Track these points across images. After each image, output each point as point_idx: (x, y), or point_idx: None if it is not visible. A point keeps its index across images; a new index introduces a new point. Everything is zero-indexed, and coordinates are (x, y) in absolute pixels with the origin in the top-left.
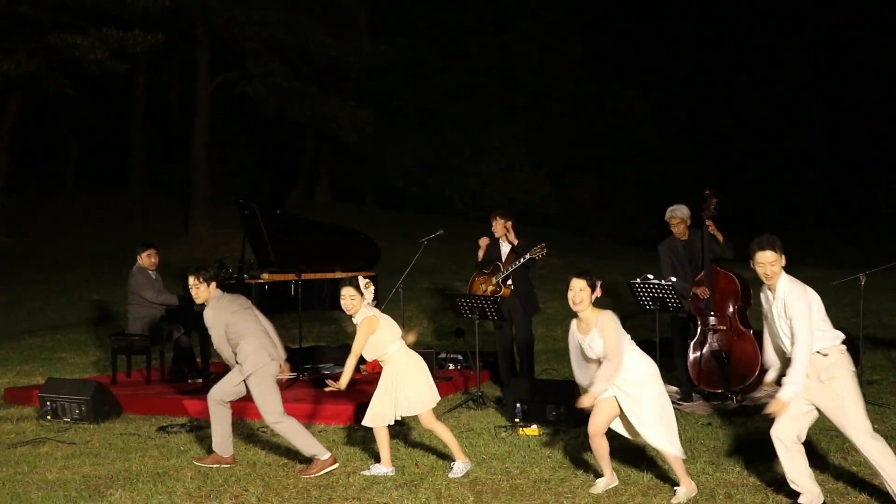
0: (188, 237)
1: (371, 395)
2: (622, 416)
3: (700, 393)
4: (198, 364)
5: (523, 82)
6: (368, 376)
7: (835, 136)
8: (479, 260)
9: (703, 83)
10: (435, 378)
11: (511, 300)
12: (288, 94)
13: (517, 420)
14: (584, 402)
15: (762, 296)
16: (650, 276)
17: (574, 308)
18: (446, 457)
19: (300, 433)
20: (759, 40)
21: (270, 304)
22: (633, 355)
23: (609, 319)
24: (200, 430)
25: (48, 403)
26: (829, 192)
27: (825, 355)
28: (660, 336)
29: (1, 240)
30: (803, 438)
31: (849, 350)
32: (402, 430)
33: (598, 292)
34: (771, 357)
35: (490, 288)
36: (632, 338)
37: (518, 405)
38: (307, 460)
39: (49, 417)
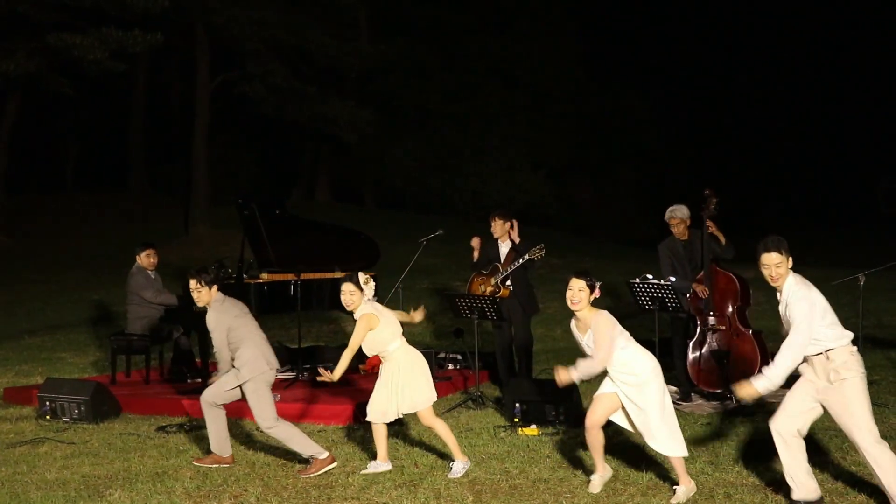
0: (188, 237)
1: (370, 394)
2: (624, 409)
3: (699, 393)
4: (197, 364)
5: (523, 82)
6: (368, 376)
7: (835, 136)
8: (475, 261)
9: (703, 83)
10: (434, 378)
11: (510, 300)
12: (288, 94)
13: (516, 420)
14: (561, 374)
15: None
16: (649, 276)
17: (572, 307)
18: (445, 456)
19: (295, 435)
20: (759, 40)
21: (270, 303)
22: (631, 352)
23: (603, 320)
24: (199, 430)
25: (47, 403)
26: (829, 192)
27: (834, 356)
28: (659, 336)
29: (1, 240)
30: (804, 434)
31: None
32: (400, 429)
33: (596, 293)
34: None
35: (489, 289)
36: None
37: (517, 405)
38: (306, 460)
39: (48, 417)
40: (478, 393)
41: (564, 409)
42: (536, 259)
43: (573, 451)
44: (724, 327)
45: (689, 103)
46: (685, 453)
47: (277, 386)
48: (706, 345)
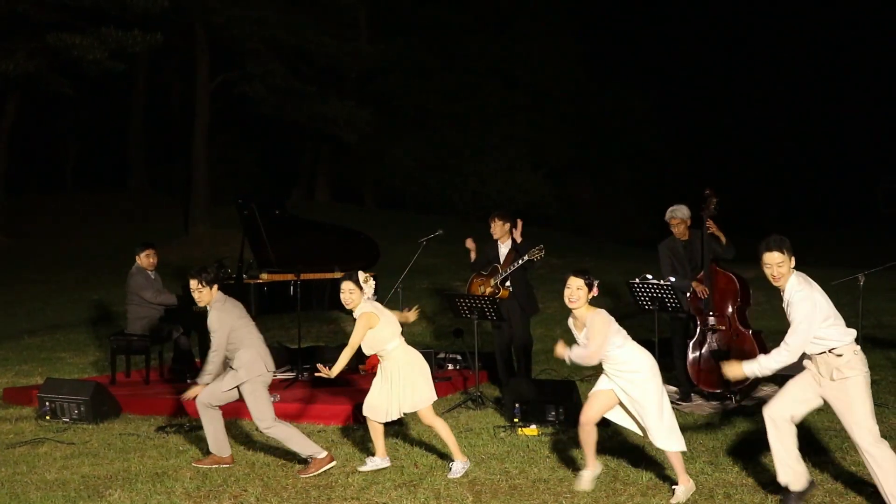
0: (188, 237)
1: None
2: (621, 405)
3: (699, 393)
4: (197, 364)
5: (523, 82)
6: (368, 376)
7: (834, 137)
8: (474, 261)
9: (703, 83)
10: (434, 378)
11: (510, 301)
12: (287, 93)
13: (516, 420)
14: (558, 348)
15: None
16: (649, 276)
17: (569, 306)
18: (445, 457)
19: (294, 435)
20: (759, 40)
21: (270, 304)
22: (628, 350)
23: (599, 317)
24: (199, 430)
25: (47, 403)
26: (829, 192)
27: (839, 355)
28: (659, 336)
29: (1, 240)
30: (797, 421)
31: None
32: (400, 429)
33: (594, 291)
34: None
35: (488, 290)
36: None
37: (517, 405)
38: (305, 460)
39: (48, 417)
40: (477, 393)
41: (564, 409)
42: (536, 260)
43: (573, 452)
44: (724, 327)
45: (689, 103)
46: (683, 448)
47: (277, 386)
48: (706, 345)
